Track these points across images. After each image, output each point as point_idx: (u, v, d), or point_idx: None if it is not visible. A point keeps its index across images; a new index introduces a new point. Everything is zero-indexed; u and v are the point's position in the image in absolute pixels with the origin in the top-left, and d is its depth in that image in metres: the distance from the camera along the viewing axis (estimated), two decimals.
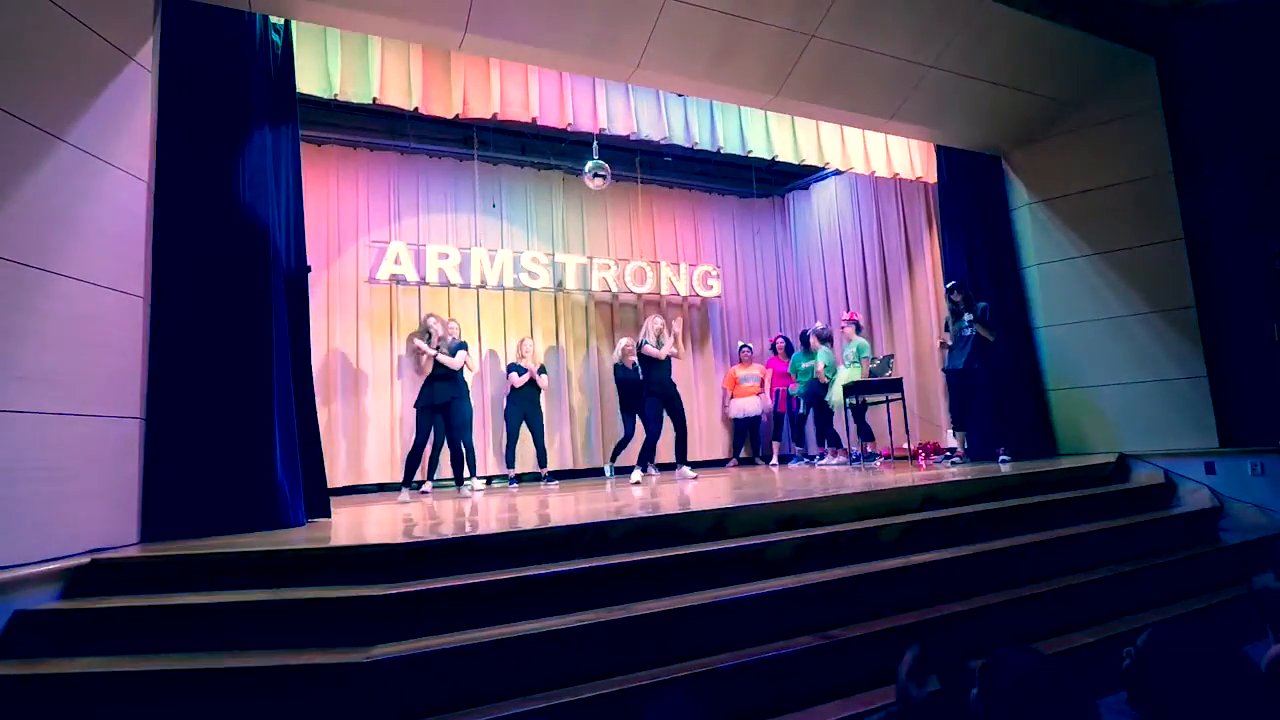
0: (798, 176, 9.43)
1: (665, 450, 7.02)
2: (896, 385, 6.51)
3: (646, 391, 6.54)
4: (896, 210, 8.39)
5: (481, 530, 3.55)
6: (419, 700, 2.44)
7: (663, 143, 6.75)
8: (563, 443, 8.14)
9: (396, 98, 5.39)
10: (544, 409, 7.31)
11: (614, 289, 8.56)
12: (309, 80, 5.02)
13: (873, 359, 7.04)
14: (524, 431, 7.10)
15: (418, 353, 6.28)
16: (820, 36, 5.14)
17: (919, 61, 5.53)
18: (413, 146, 7.74)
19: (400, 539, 3.23)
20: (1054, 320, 6.48)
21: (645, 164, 8.74)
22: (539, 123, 6.05)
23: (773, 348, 8.63)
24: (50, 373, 3.14)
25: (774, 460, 8.37)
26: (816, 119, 6.73)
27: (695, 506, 3.90)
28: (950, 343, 6.37)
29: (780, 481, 5.75)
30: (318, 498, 4.40)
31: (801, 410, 7.99)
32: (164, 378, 3.74)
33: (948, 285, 6.48)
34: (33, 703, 2.44)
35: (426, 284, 7.55)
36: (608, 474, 7.52)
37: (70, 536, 3.11)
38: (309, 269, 4.61)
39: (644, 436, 6.62)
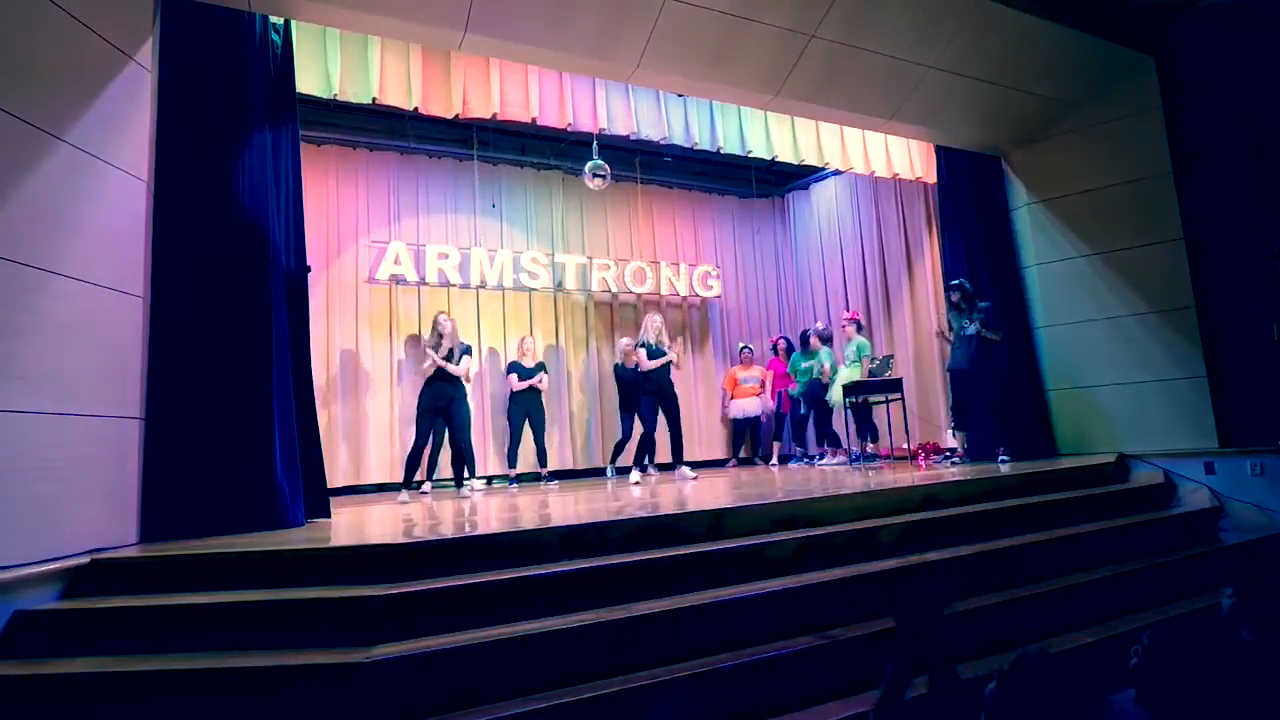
0: (797, 177, 9.43)
1: (665, 451, 7.01)
2: (896, 385, 6.51)
3: (642, 390, 6.54)
4: (896, 210, 8.39)
5: (481, 530, 3.55)
6: (419, 700, 2.44)
7: (662, 143, 6.75)
8: (562, 443, 8.13)
9: (396, 98, 5.39)
10: (546, 409, 7.32)
11: (614, 289, 8.55)
12: (308, 80, 5.02)
13: (872, 359, 7.04)
14: (525, 431, 7.10)
15: (423, 357, 6.23)
16: (820, 37, 5.14)
17: (919, 62, 5.53)
18: (412, 147, 7.74)
19: (400, 539, 3.23)
20: (1054, 320, 6.49)
21: (645, 164, 8.74)
22: (539, 123, 6.05)
23: (774, 348, 8.63)
24: (50, 372, 3.14)
25: (774, 460, 8.37)
26: (816, 119, 6.73)
27: (695, 506, 3.89)
28: (950, 337, 6.35)
29: (780, 481, 5.75)
30: (317, 498, 4.40)
31: (802, 410, 7.99)
32: (164, 378, 3.74)
33: (949, 284, 6.44)
34: (32, 703, 2.44)
35: (426, 284, 7.55)
36: (608, 474, 7.52)
37: (70, 536, 3.11)
38: (309, 269, 4.61)
39: (641, 434, 6.62)
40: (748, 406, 8.46)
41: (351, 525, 4.24)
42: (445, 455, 6.59)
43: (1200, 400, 5.66)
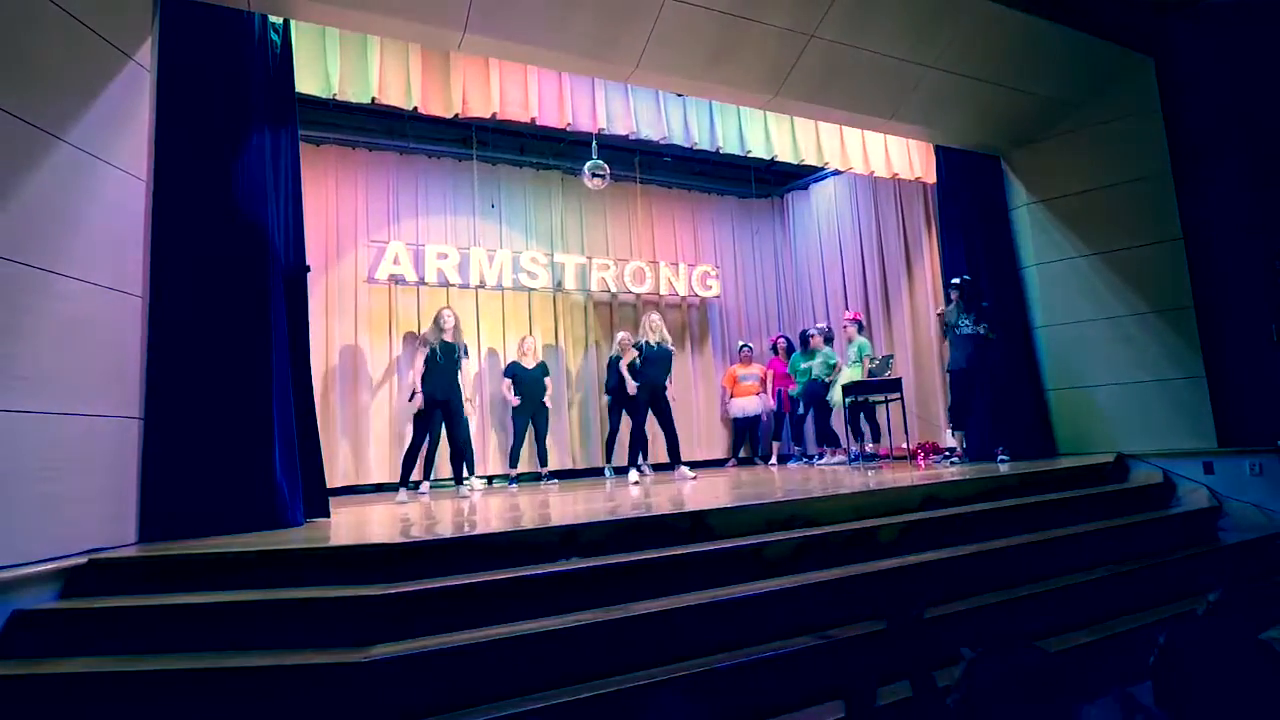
0: (797, 177, 9.43)
1: (662, 451, 7.00)
2: (896, 385, 6.51)
3: (639, 384, 6.55)
4: (895, 210, 8.39)
5: (480, 530, 3.55)
6: (418, 700, 2.44)
7: (662, 143, 6.75)
8: (562, 443, 8.13)
9: (395, 97, 5.39)
10: (549, 409, 7.33)
11: (613, 289, 8.55)
12: (308, 80, 5.02)
13: (872, 359, 7.04)
14: (528, 432, 7.12)
15: (420, 350, 6.17)
16: (819, 36, 5.14)
17: (918, 61, 5.53)
18: (412, 146, 7.74)
19: (398, 539, 3.23)
20: (1053, 320, 6.48)
21: (644, 164, 8.74)
22: (538, 122, 6.05)
23: (773, 348, 8.63)
24: (49, 372, 3.14)
25: (773, 460, 8.37)
26: (816, 119, 6.73)
27: (695, 506, 3.89)
28: (950, 336, 6.33)
29: (779, 481, 5.75)
30: (316, 498, 4.40)
31: (801, 410, 7.99)
32: (163, 377, 3.74)
33: (951, 281, 6.41)
34: (31, 703, 2.44)
35: (425, 284, 7.55)
36: (606, 474, 7.52)
37: (68, 536, 3.11)
38: (308, 269, 4.61)
39: (630, 428, 6.63)
40: (748, 405, 8.46)
41: (350, 525, 4.24)
42: (444, 454, 6.59)
43: (1199, 400, 5.66)
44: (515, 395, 7.16)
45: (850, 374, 7.13)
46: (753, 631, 2.96)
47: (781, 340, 8.60)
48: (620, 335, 7.51)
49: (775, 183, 9.79)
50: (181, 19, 4.04)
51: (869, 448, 7.09)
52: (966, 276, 6.38)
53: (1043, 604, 3.56)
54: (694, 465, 7.21)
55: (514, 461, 7.11)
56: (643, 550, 3.29)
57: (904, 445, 6.72)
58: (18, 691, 2.44)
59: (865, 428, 7.12)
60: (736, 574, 3.27)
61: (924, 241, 8.06)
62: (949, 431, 6.73)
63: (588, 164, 7.28)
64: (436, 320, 6.15)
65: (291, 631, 2.67)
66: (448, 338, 6.05)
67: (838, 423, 7.51)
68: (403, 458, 6.10)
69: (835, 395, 7.29)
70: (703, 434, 8.98)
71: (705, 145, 6.86)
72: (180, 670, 2.47)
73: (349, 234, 7.49)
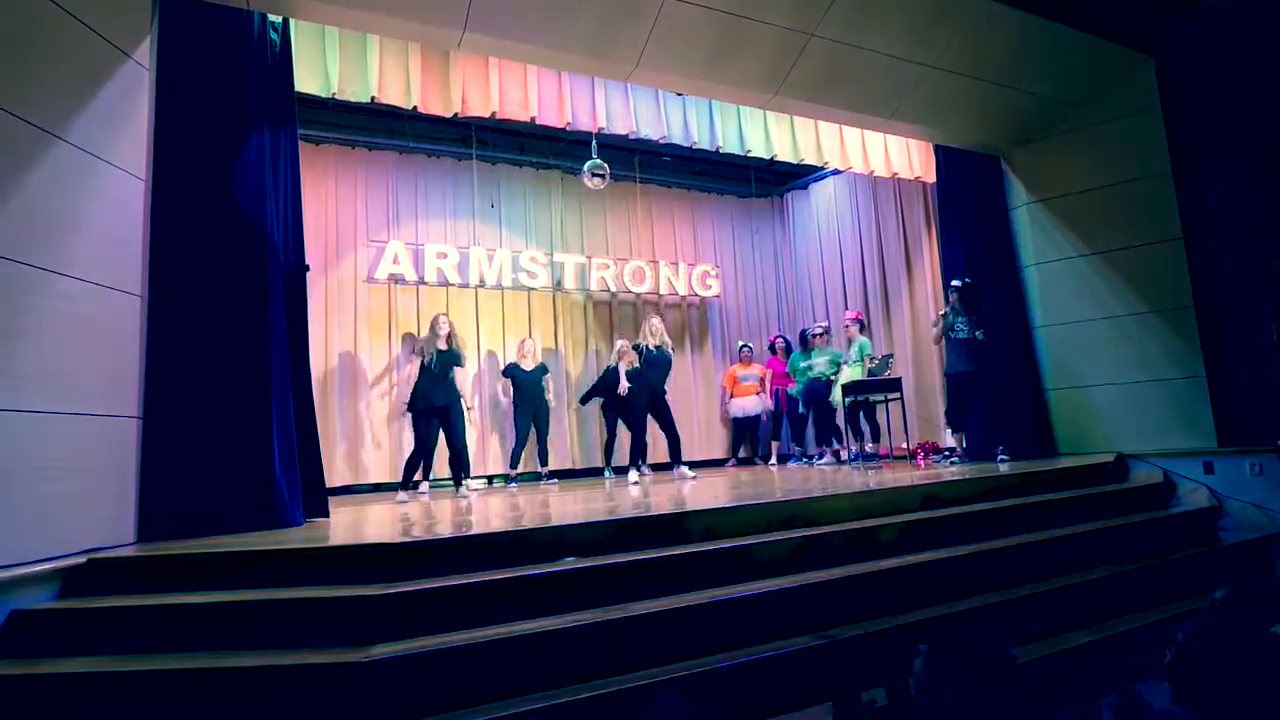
0: (796, 176, 9.43)
1: (662, 451, 7.00)
2: (895, 385, 6.50)
3: (632, 392, 6.53)
4: (895, 210, 8.38)
5: (479, 530, 3.54)
6: (417, 700, 2.44)
7: (661, 142, 6.74)
8: (562, 442, 8.12)
9: (395, 96, 5.38)
10: (550, 410, 7.33)
11: (613, 289, 8.55)
12: (307, 79, 5.01)
13: (872, 358, 7.04)
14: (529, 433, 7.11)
15: (416, 355, 6.14)
16: (819, 36, 5.14)
17: (918, 61, 5.52)
18: (411, 146, 7.74)
19: (398, 539, 3.22)
20: (1053, 320, 6.48)
21: (644, 163, 8.73)
22: (538, 122, 6.04)
23: (771, 348, 8.62)
24: (48, 371, 3.13)
25: (773, 460, 8.37)
26: (815, 118, 6.72)
27: (694, 506, 3.89)
28: (947, 338, 6.33)
29: (779, 481, 5.75)
30: (316, 497, 4.39)
31: (801, 410, 7.98)
32: (162, 377, 3.73)
33: (951, 284, 6.43)
34: (29, 703, 2.43)
35: (425, 284, 7.54)
36: (606, 475, 7.52)
37: (67, 536, 3.11)
38: (307, 268, 4.60)
39: (631, 432, 6.63)
40: (748, 405, 8.45)
41: (350, 525, 4.24)
42: (442, 456, 6.58)
43: (1199, 400, 5.66)
44: (514, 398, 7.14)
45: (851, 373, 7.12)
46: (752, 631, 2.95)
47: (780, 340, 8.59)
48: (619, 343, 7.50)
49: (775, 182, 9.79)
50: (181, 18, 4.03)
51: (869, 447, 7.09)
52: (967, 279, 6.38)
53: (1043, 604, 3.56)
54: (694, 465, 7.20)
55: (515, 462, 7.11)
56: (642, 550, 3.29)
57: (904, 445, 6.72)
58: (16, 691, 2.44)
59: (865, 427, 7.11)
60: (736, 574, 3.27)
61: (924, 241, 8.06)
62: (948, 431, 6.73)
63: (587, 163, 7.28)
64: (433, 327, 6.12)
65: (290, 631, 2.66)
66: (442, 345, 6.01)
67: (838, 422, 7.50)
68: (405, 463, 6.10)
69: (836, 395, 7.28)
70: (702, 434, 8.98)
71: (705, 145, 6.86)
72: (179, 670, 2.46)
73: (348, 233, 7.48)
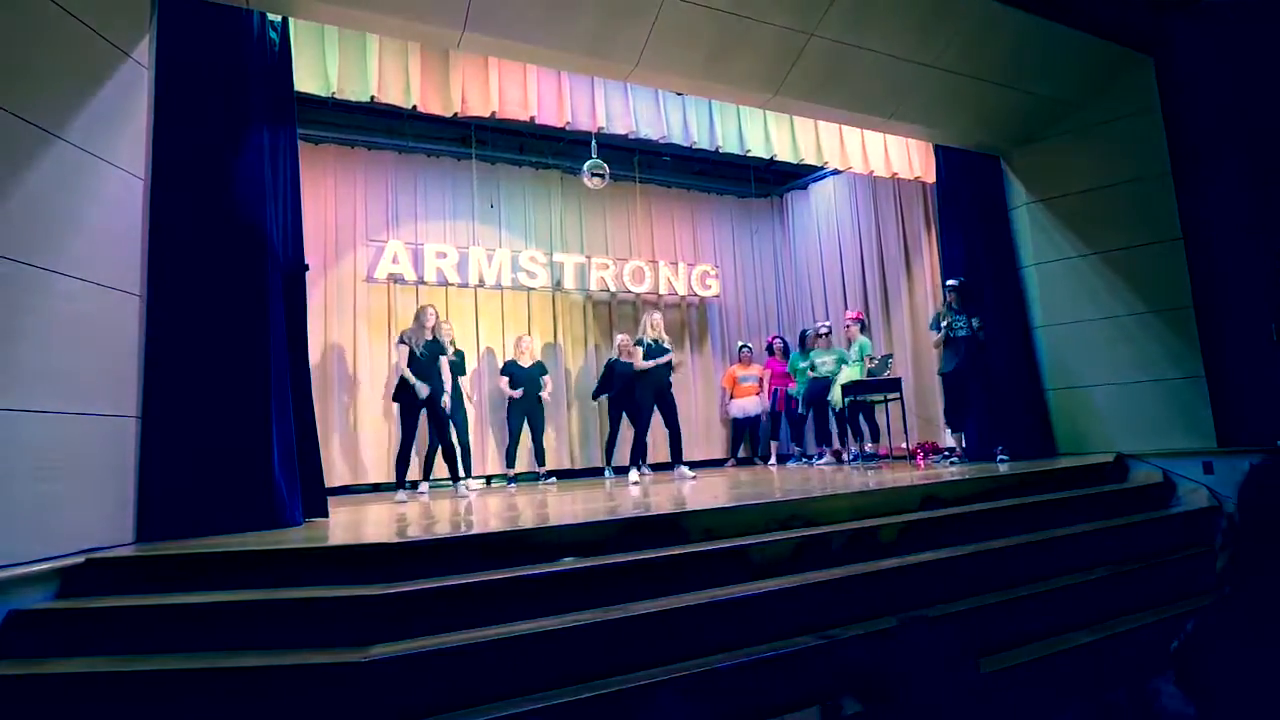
0: (796, 176, 9.43)
1: (661, 450, 7.00)
2: (895, 385, 6.50)
3: (639, 389, 6.52)
4: (895, 210, 8.38)
5: (478, 530, 3.54)
6: (417, 700, 2.43)
7: (661, 142, 6.74)
8: (561, 442, 8.13)
9: (394, 96, 5.38)
10: (545, 409, 7.32)
11: (612, 288, 8.54)
12: (307, 78, 5.01)
13: (872, 358, 7.04)
14: (524, 432, 7.10)
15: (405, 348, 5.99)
16: (820, 35, 5.14)
17: (918, 61, 5.52)
18: (410, 145, 7.73)
19: (397, 538, 3.22)
20: (1052, 320, 6.48)
21: (644, 163, 8.73)
22: (537, 121, 6.04)
23: (769, 348, 8.61)
24: (46, 371, 3.13)
25: (772, 460, 8.36)
26: (815, 118, 6.72)
27: (694, 506, 3.89)
28: (944, 338, 6.35)
29: (779, 481, 5.75)
30: (315, 497, 4.38)
31: (800, 410, 7.98)
32: (161, 376, 3.73)
33: (950, 281, 6.45)
34: (27, 703, 2.42)
35: (424, 283, 7.54)
36: (606, 474, 7.51)
37: (65, 535, 3.10)
38: (307, 267, 4.60)
39: (635, 431, 6.62)
40: (748, 405, 8.44)
41: (349, 525, 4.23)
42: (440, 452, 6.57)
43: (1198, 400, 5.66)
44: (514, 389, 7.13)
45: (851, 373, 7.12)
46: (753, 631, 2.95)
47: (778, 341, 8.58)
48: (620, 337, 7.51)
49: (774, 182, 9.79)
50: (180, 17, 4.03)
51: (868, 447, 7.09)
52: (962, 278, 6.38)
53: (1043, 604, 3.55)
54: (693, 465, 7.20)
55: (510, 461, 7.10)
56: (641, 550, 3.28)
57: (903, 445, 6.71)
58: (15, 692, 2.43)
59: (865, 428, 7.11)
60: (736, 574, 3.27)
61: (923, 241, 8.06)
62: (948, 431, 6.73)
63: (587, 163, 7.27)
64: (418, 317, 6.04)
65: (290, 631, 2.66)
66: (428, 335, 5.96)
67: (836, 423, 7.50)
68: (395, 460, 6.07)
69: (835, 394, 7.28)
70: (702, 434, 8.98)
71: (704, 144, 6.86)
72: (178, 670, 2.46)
73: (348, 233, 7.48)
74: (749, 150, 6.94)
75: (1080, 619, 3.58)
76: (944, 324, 6.33)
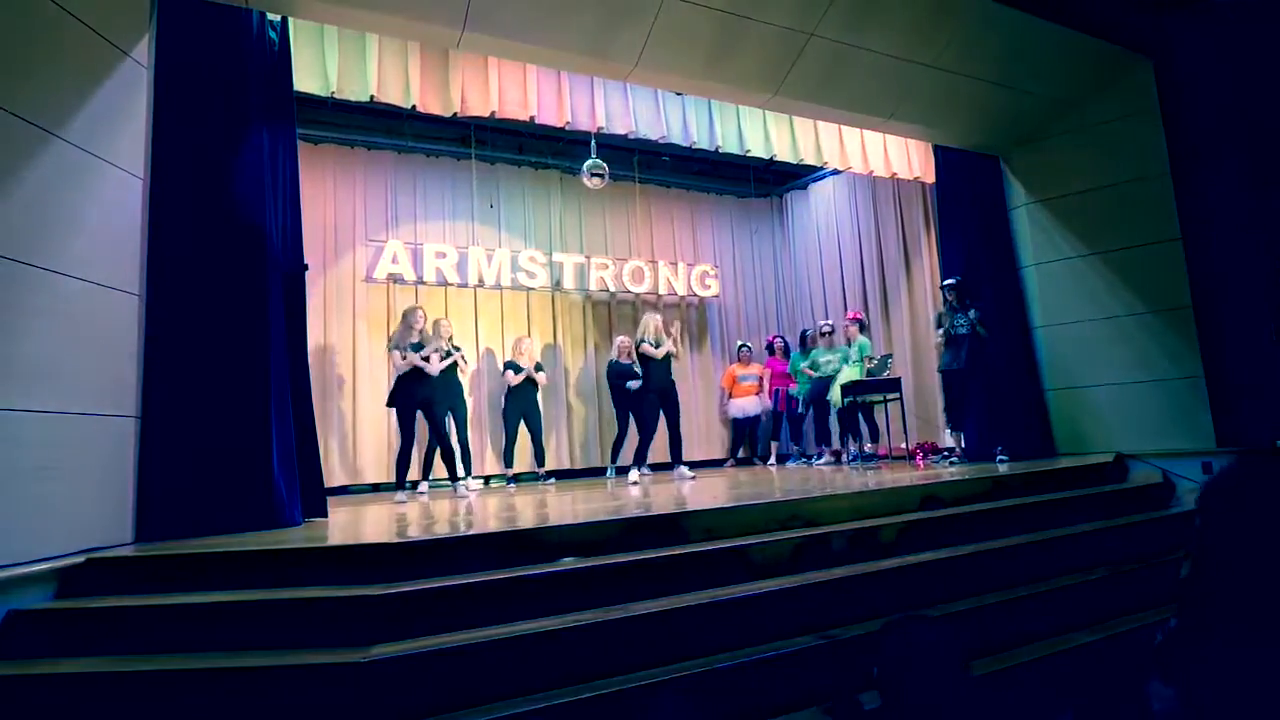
0: (795, 176, 9.43)
1: (662, 450, 7.00)
2: (895, 385, 6.50)
3: (644, 389, 6.52)
4: (894, 210, 8.39)
5: (478, 530, 3.54)
6: (418, 700, 2.43)
7: (661, 142, 6.74)
8: (560, 442, 8.12)
9: (394, 95, 5.37)
10: (542, 408, 7.31)
11: (612, 288, 8.54)
12: (306, 78, 5.00)
13: (871, 358, 7.03)
14: (522, 431, 7.09)
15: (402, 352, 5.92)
16: (819, 35, 5.14)
17: (918, 61, 5.52)
18: (410, 145, 7.73)
19: (397, 538, 3.22)
20: (1052, 320, 6.48)
21: (643, 163, 8.73)
22: (537, 121, 6.04)
23: (769, 348, 8.61)
24: (45, 371, 3.12)
25: (772, 460, 8.36)
26: (815, 118, 6.72)
27: (695, 506, 3.89)
28: (945, 339, 6.37)
29: (778, 481, 5.75)
30: (314, 497, 4.38)
31: (800, 410, 7.97)
32: (160, 376, 3.72)
33: (945, 281, 6.48)
34: (26, 703, 2.42)
35: (424, 283, 7.53)
36: (608, 474, 7.51)
37: (65, 535, 3.09)
38: (306, 267, 4.59)
39: (640, 434, 6.61)
40: (747, 405, 8.43)
41: (348, 525, 4.23)
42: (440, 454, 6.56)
43: (1198, 400, 5.66)
44: (506, 394, 7.11)
45: (851, 373, 7.12)
46: (753, 632, 2.94)
47: (778, 340, 8.58)
48: (620, 339, 7.51)
49: (774, 182, 9.79)
50: (179, 16, 4.02)
51: (868, 448, 7.09)
52: (958, 277, 6.39)
53: (1043, 604, 3.55)
54: (692, 465, 7.19)
55: (509, 461, 7.09)
56: (642, 550, 3.28)
57: (903, 445, 6.72)
58: (14, 692, 2.42)
59: (864, 428, 7.11)
60: (736, 574, 3.26)
61: (923, 241, 8.06)
62: (948, 431, 6.73)
63: (586, 163, 7.27)
64: (406, 319, 5.93)
65: (290, 631, 2.65)
66: (415, 338, 5.89)
67: (836, 422, 7.50)
68: (395, 462, 6.07)
69: (834, 394, 7.27)
70: (701, 434, 8.97)
71: (704, 144, 6.86)
72: (178, 670, 2.45)
73: (347, 233, 7.47)
74: (748, 150, 6.94)
75: (1081, 619, 3.57)
76: (945, 325, 6.34)
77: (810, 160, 7.17)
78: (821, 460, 7.64)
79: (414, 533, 3.53)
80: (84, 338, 3.35)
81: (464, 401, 6.88)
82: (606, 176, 7.38)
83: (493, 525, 3.73)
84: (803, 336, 8.21)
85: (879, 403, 6.92)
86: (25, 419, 3.01)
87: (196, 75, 4.05)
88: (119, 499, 3.51)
